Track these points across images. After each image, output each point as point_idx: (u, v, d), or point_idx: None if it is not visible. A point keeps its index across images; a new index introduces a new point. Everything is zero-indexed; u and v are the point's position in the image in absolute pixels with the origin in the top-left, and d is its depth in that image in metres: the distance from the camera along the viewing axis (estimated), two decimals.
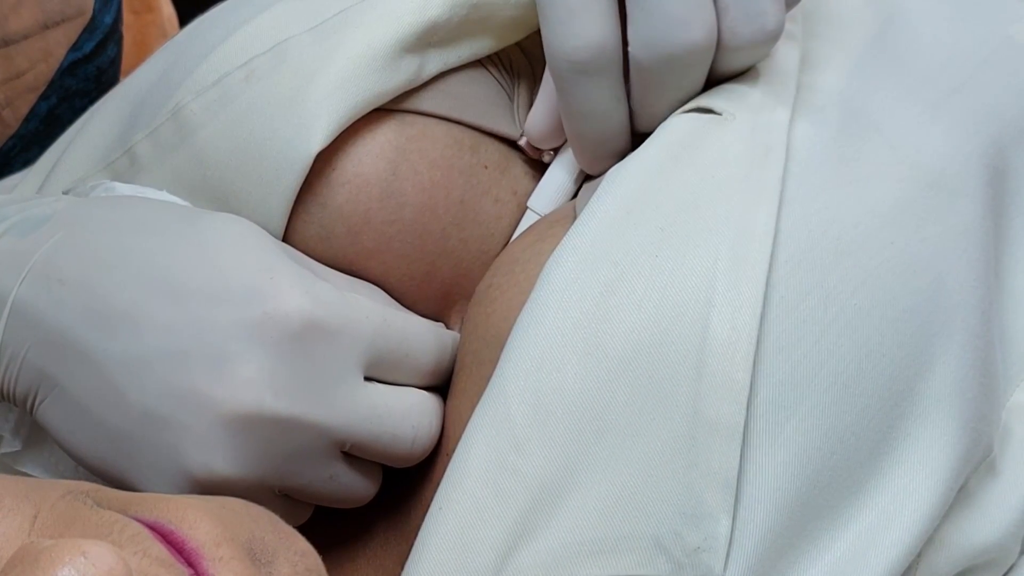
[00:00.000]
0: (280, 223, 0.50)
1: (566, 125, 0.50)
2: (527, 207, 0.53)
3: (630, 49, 0.47)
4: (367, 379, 0.46)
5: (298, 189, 0.50)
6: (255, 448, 0.44)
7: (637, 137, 0.51)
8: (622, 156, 0.50)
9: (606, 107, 0.49)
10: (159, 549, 0.34)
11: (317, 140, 0.49)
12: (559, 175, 0.53)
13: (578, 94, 0.48)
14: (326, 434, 0.45)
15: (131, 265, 0.45)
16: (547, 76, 0.52)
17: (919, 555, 0.45)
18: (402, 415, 0.47)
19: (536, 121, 0.52)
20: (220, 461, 0.44)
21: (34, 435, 0.50)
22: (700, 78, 0.48)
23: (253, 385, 0.43)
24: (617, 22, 0.47)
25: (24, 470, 0.50)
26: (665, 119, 0.49)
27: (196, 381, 0.43)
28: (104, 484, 0.45)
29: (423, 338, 0.48)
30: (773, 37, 0.47)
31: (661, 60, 0.46)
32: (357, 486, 0.47)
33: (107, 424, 0.45)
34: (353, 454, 0.47)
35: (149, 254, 0.46)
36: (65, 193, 0.54)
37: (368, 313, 0.46)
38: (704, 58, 0.47)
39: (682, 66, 0.47)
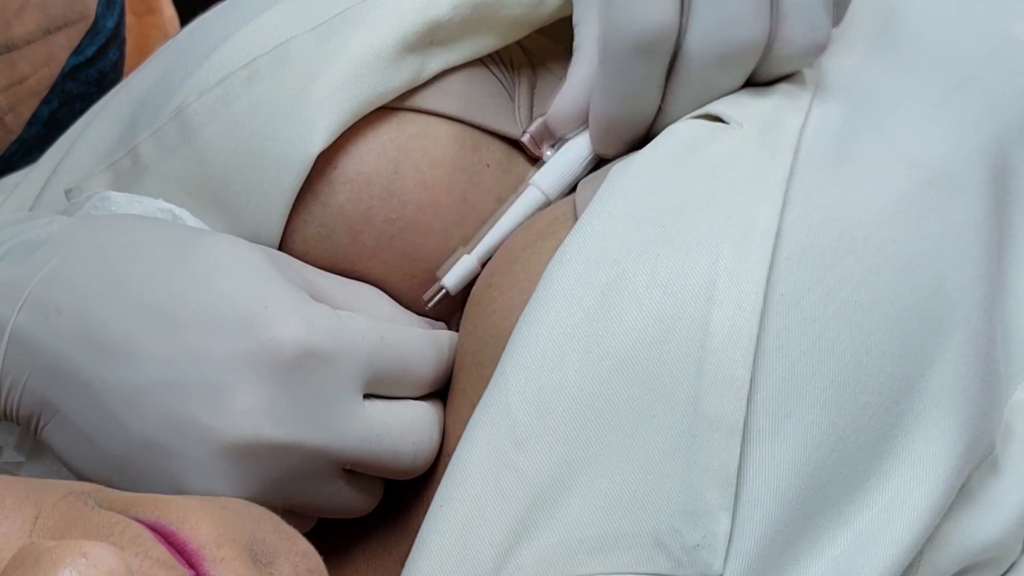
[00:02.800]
0: (279, 224, 0.50)
1: (598, 105, 0.50)
2: (529, 183, 0.52)
3: (685, 40, 0.47)
4: (367, 396, 0.46)
5: (298, 189, 0.50)
6: (256, 475, 0.44)
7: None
8: (635, 144, 0.50)
9: (647, 92, 0.49)
10: (160, 550, 0.34)
11: (318, 141, 0.49)
12: (570, 158, 0.52)
13: (626, 76, 0.48)
14: (326, 457, 0.45)
15: (126, 294, 0.45)
16: (580, 59, 0.52)
17: (920, 553, 0.44)
18: (402, 432, 0.47)
19: (564, 104, 0.52)
20: (221, 488, 0.44)
21: (36, 448, 0.50)
22: (741, 80, 0.49)
23: (251, 415, 0.43)
24: (680, 10, 0.47)
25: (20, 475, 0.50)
26: (680, 118, 0.49)
27: (194, 412, 0.43)
28: None
29: (421, 350, 0.48)
30: (821, 50, 0.48)
31: (714, 54, 0.47)
32: (359, 499, 0.48)
33: (108, 451, 0.45)
34: (355, 470, 0.47)
35: (144, 282, 0.45)
36: (67, 191, 0.54)
37: (364, 333, 0.46)
38: (752, 61, 0.48)
39: (731, 64, 0.48)
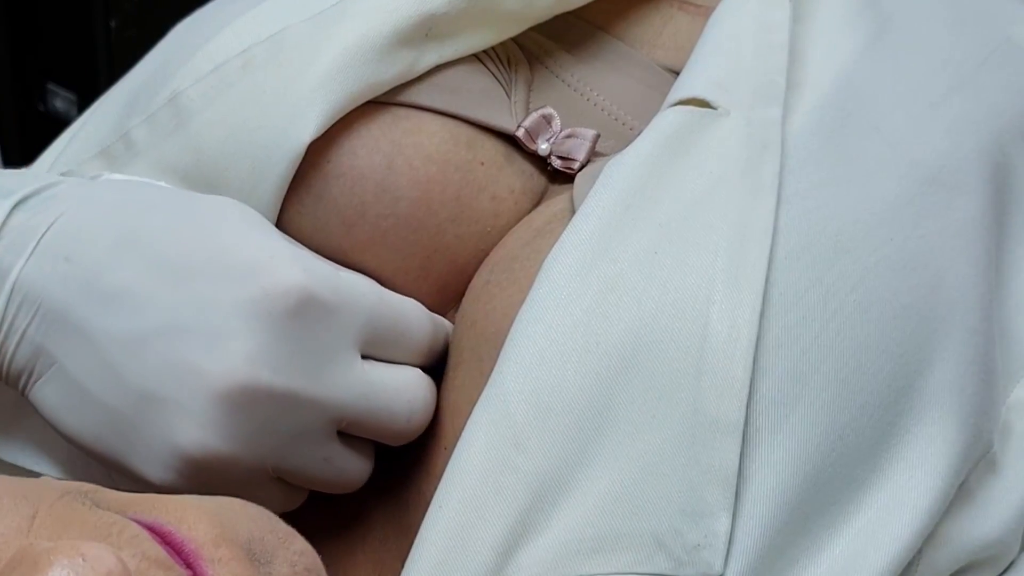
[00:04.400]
0: (271, 213, 0.50)
1: None
2: None
3: None
4: (363, 357, 0.47)
5: (290, 179, 0.50)
6: (251, 425, 0.44)
7: (632, 132, 0.51)
8: None
9: None
10: (158, 550, 0.33)
11: (309, 130, 0.49)
12: None
13: None
14: (323, 410, 0.45)
15: (136, 245, 0.46)
16: None
17: (919, 552, 0.45)
18: (397, 391, 0.47)
19: None
20: (215, 438, 0.44)
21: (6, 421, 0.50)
22: None
23: (250, 360, 0.44)
24: None
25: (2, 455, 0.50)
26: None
27: (193, 357, 0.44)
28: (97, 466, 0.45)
29: (418, 318, 0.49)
30: None
31: None
32: (351, 468, 0.47)
33: (104, 404, 0.45)
34: (349, 433, 0.47)
35: (153, 235, 0.46)
36: (63, 175, 0.54)
37: (365, 291, 0.47)
38: None
39: None
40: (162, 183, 0.51)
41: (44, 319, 0.45)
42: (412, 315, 0.49)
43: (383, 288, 0.49)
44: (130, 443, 0.45)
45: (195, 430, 0.44)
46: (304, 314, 0.44)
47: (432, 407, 0.49)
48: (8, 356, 0.46)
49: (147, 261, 0.45)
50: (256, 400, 0.44)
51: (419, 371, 0.49)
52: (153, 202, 0.48)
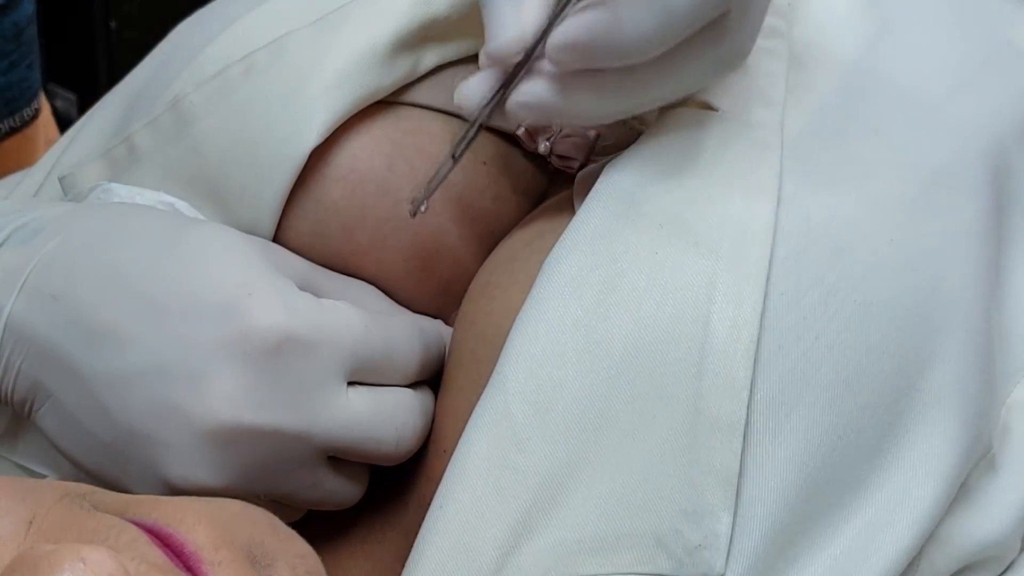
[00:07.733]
0: (272, 219, 0.50)
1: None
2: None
3: None
4: (352, 383, 0.46)
5: (291, 186, 0.50)
6: (237, 461, 0.44)
7: (633, 131, 0.51)
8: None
9: None
10: (156, 554, 0.33)
11: (312, 137, 0.49)
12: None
13: None
14: (308, 443, 0.45)
15: (118, 282, 0.46)
16: None
17: (920, 552, 0.44)
18: (384, 418, 0.47)
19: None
20: (203, 474, 0.44)
21: (16, 428, 0.51)
22: None
23: (231, 400, 0.44)
24: None
25: (13, 459, 0.51)
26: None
27: (176, 398, 0.44)
28: (101, 485, 0.45)
29: (406, 339, 0.48)
30: None
31: None
32: (342, 490, 0.48)
33: (97, 437, 0.45)
34: (339, 457, 0.47)
35: (135, 270, 0.46)
36: (61, 179, 0.54)
37: (348, 321, 0.46)
38: None
39: None
40: (161, 193, 0.51)
41: (36, 356, 0.46)
42: (401, 337, 0.48)
43: (370, 313, 0.48)
44: (124, 472, 0.46)
45: (181, 467, 0.44)
46: (284, 352, 0.44)
47: (424, 428, 0.48)
48: (9, 390, 0.47)
49: (129, 299, 0.45)
50: (240, 438, 0.44)
51: (410, 392, 0.48)
52: (136, 232, 0.48)
